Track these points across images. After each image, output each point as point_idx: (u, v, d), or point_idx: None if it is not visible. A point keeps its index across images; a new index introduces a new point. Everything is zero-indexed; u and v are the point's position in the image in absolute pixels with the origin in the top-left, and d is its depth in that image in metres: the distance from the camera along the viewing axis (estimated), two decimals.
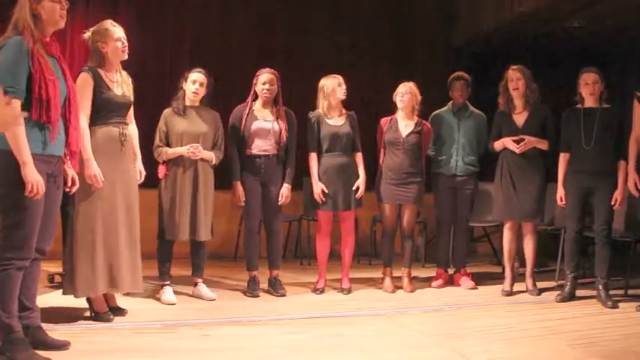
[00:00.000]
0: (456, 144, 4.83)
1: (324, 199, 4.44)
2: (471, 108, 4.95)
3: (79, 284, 3.40)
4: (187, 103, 4.20)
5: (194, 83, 4.17)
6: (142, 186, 3.79)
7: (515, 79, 4.49)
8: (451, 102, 4.96)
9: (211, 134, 4.21)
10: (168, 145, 4.14)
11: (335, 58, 6.63)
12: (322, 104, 4.49)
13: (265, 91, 4.32)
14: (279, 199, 4.37)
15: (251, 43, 6.67)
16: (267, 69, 4.38)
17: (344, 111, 4.52)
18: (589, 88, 4.27)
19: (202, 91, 4.20)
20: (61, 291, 3.58)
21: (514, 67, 4.54)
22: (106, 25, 3.50)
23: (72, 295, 3.46)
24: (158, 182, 4.17)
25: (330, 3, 7.08)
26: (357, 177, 4.48)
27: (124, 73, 3.65)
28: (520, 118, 4.52)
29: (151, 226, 4.21)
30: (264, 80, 4.33)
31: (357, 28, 7.12)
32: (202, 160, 4.13)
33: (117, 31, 3.49)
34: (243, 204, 4.33)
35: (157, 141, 4.15)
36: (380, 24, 7.20)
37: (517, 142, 4.43)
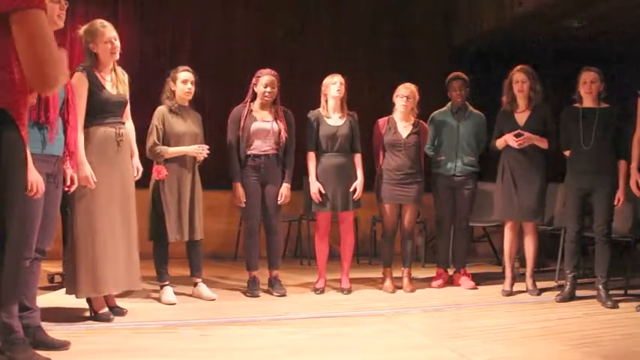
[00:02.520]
0: (455, 145, 4.83)
1: (320, 199, 4.44)
2: (470, 108, 4.95)
3: (81, 285, 3.40)
4: (178, 102, 4.16)
5: (185, 83, 4.12)
6: (141, 186, 3.79)
7: (520, 81, 4.49)
8: (450, 102, 4.97)
9: (200, 134, 4.22)
10: (163, 144, 4.08)
11: (335, 58, 6.63)
12: (322, 103, 4.51)
13: (267, 94, 4.31)
14: (279, 199, 4.37)
15: (251, 43, 6.67)
16: (268, 70, 4.36)
17: (346, 111, 4.52)
18: (586, 87, 4.27)
19: (193, 90, 4.18)
20: (60, 291, 3.58)
21: (519, 67, 4.52)
22: (95, 25, 3.47)
23: (73, 295, 3.46)
24: (155, 183, 4.07)
25: (330, 3, 7.09)
26: (355, 178, 4.47)
27: (120, 70, 3.62)
28: (522, 116, 4.52)
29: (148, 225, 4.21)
30: (265, 83, 4.31)
31: (356, 27, 7.12)
32: (195, 160, 4.14)
33: (106, 32, 3.46)
34: (244, 205, 4.33)
35: (154, 139, 4.04)
36: (380, 24, 7.20)
37: (517, 137, 4.43)
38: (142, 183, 3.87)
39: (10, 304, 2.40)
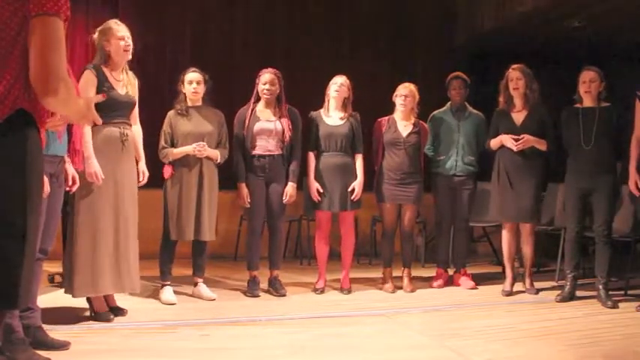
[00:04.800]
0: (455, 144, 4.84)
1: (319, 199, 4.44)
2: (470, 108, 4.96)
3: (77, 284, 3.40)
4: (189, 103, 4.21)
5: (191, 84, 4.17)
6: (145, 186, 3.79)
7: (515, 78, 4.49)
8: (449, 102, 4.97)
9: (216, 133, 4.22)
10: (173, 146, 4.15)
11: (335, 58, 6.63)
12: (325, 103, 4.53)
13: (266, 91, 4.32)
14: (284, 198, 4.37)
15: (251, 43, 6.68)
16: (270, 69, 4.38)
17: (349, 111, 4.51)
18: (585, 86, 4.26)
19: (201, 89, 4.21)
20: (61, 291, 3.58)
21: (515, 66, 4.53)
22: (110, 24, 3.52)
23: (70, 295, 3.46)
24: (163, 183, 4.16)
25: (331, 3, 7.09)
26: (355, 178, 4.47)
27: (131, 73, 3.64)
28: (519, 116, 4.52)
29: (152, 226, 4.21)
30: (265, 80, 4.33)
31: (357, 28, 7.12)
32: (207, 159, 4.14)
33: (120, 29, 3.49)
34: (249, 205, 4.33)
35: (162, 143, 4.17)
36: (380, 24, 7.21)
37: (516, 140, 4.43)
38: (147, 184, 3.86)
39: (25, 304, 2.42)
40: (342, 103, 4.50)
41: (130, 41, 3.52)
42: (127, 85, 3.57)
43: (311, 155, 4.52)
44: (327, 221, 4.56)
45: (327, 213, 4.51)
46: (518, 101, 4.52)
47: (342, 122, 4.47)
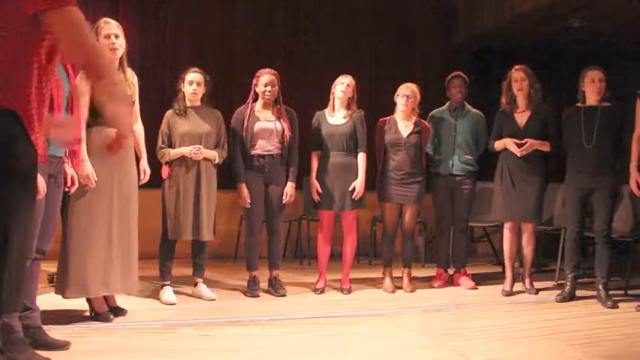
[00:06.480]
0: (452, 143, 4.84)
1: (319, 198, 4.45)
2: (468, 107, 4.95)
3: (69, 284, 3.38)
4: (188, 104, 4.21)
5: (191, 84, 4.17)
6: (144, 186, 3.79)
7: (519, 79, 4.49)
8: (448, 102, 4.97)
9: (214, 134, 4.21)
10: (171, 146, 4.16)
11: (335, 58, 6.63)
12: (330, 102, 4.53)
13: (267, 92, 4.32)
14: (284, 198, 4.38)
15: (251, 43, 6.68)
16: (268, 69, 4.38)
17: (353, 110, 4.51)
18: (595, 86, 4.24)
19: (201, 91, 4.21)
20: None
21: (518, 67, 4.53)
22: (98, 23, 3.49)
23: (61, 295, 3.44)
24: (162, 183, 4.17)
25: (331, 3, 7.09)
26: (357, 177, 4.47)
27: (130, 71, 3.62)
28: (522, 117, 4.52)
29: (152, 226, 4.21)
30: (265, 82, 4.33)
31: (357, 28, 7.12)
32: (205, 159, 4.14)
33: (106, 27, 3.46)
34: (249, 206, 4.34)
35: (159, 143, 4.17)
36: (380, 24, 7.20)
37: (519, 145, 4.42)
38: (147, 184, 3.86)
39: (13, 309, 2.41)
40: (347, 103, 4.50)
41: (117, 39, 3.46)
42: (124, 84, 3.55)
43: (314, 155, 4.53)
44: (329, 221, 4.56)
45: (329, 212, 4.52)
46: (521, 101, 4.52)
47: (344, 121, 4.48)
